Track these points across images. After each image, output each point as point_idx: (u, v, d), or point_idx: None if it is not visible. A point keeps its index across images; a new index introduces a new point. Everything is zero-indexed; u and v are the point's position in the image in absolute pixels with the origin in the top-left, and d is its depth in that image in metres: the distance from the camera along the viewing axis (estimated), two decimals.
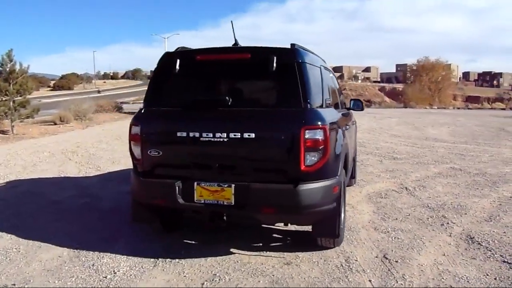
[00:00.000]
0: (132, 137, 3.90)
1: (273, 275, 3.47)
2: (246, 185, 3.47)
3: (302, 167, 3.42)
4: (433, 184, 6.62)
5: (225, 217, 3.68)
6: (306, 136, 3.39)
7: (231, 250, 3.99)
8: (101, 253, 3.95)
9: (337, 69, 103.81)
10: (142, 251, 3.99)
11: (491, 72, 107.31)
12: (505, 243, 4.11)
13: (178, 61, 3.79)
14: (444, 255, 3.85)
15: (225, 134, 3.49)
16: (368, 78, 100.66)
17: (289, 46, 3.82)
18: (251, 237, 4.29)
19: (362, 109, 5.99)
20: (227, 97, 3.60)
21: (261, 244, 4.19)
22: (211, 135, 3.53)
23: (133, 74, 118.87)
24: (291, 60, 3.61)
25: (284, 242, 4.27)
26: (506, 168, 7.91)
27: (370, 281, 3.36)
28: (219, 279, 3.42)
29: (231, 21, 4.09)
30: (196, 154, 3.68)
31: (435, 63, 52.33)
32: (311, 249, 3.96)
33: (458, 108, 39.15)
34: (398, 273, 3.47)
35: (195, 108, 3.73)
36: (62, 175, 7.56)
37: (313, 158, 3.43)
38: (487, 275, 3.46)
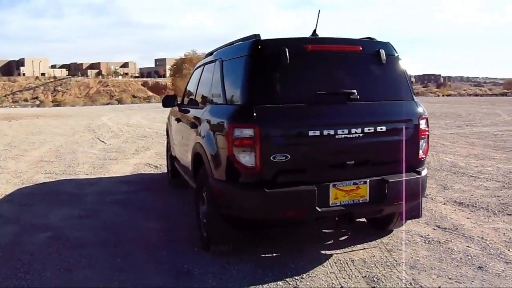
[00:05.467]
0: (239, 142, 3.29)
1: (401, 264, 3.65)
2: (382, 180, 3.51)
3: (420, 156, 3.75)
4: None
5: (351, 216, 3.63)
6: (421, 126, 3.73)
7: (322, 252, 3.93)
8: None
9: (95, 66, 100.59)
10: (244, 280, 3.45)
11: None
12: (487, 202, 5.36)
13: (287, 50, 3.42)
14: (468, 218, 4.80)
15: (360, 129, 3.45)
16: (127, 74, 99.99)
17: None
18: (309, 236, 4.28)
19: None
20: (354, 90, 3.53)
21: (332, 241, 4.24)
22: (346, 131, 3.41)
23: None
24: (394, 54, 3.85)
25: (344, 234, 4.39)
26: None
27: (468, 247, 3.96)
28: (377, 282, 3.40)
29: (319, 10, 3.91)
30: (330, 153, 3.47)
31: (203, 56, 54.69)
32: (377, 235, 4.29)
33: None
34: (473, 237, 4.19)
35: (322, 103, 3.49)
36: None
37: (423, 146, 3.79)
38: None
